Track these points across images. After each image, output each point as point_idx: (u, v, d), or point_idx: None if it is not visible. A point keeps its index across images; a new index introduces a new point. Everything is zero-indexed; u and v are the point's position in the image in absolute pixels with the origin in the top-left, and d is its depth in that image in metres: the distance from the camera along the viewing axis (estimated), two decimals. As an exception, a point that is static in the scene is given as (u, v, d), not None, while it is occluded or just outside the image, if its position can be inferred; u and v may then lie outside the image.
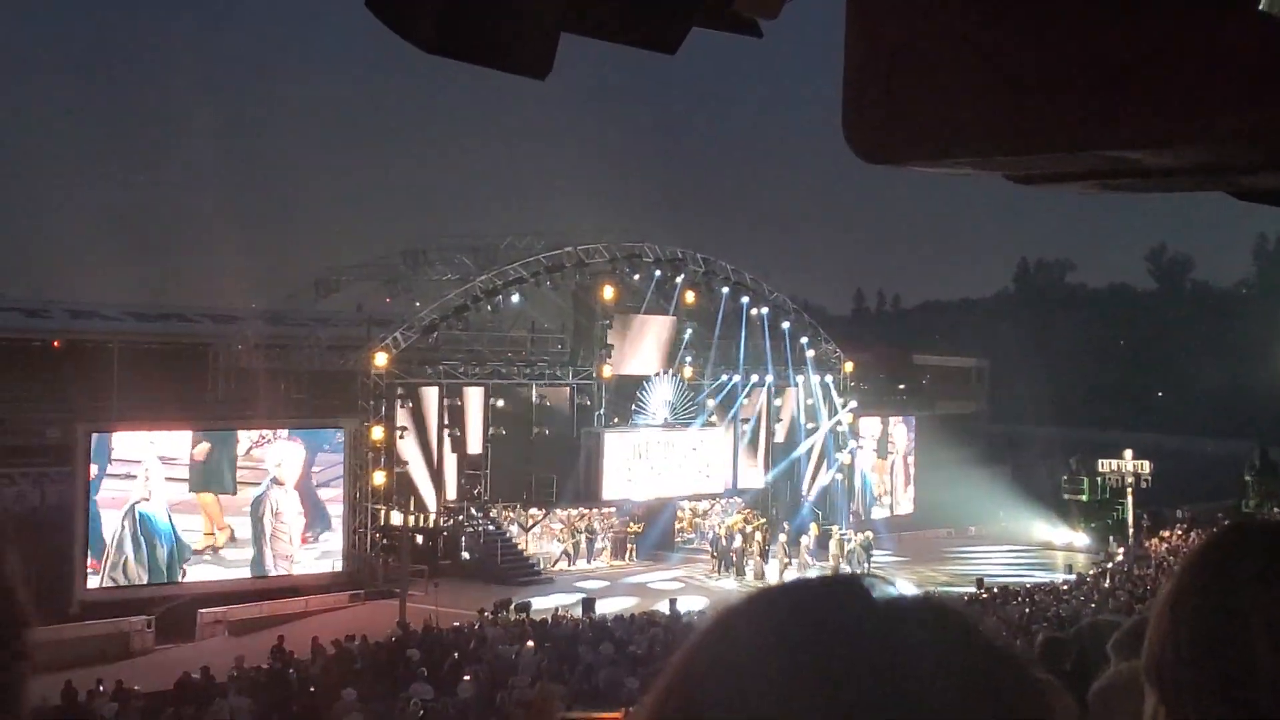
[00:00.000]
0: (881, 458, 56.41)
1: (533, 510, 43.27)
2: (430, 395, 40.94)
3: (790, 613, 0.93)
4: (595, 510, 44.69)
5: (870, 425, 55.32)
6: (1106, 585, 39.14)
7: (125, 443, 34.84)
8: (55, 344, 44.90)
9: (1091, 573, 44.24)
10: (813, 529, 46.19)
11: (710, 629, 0.95)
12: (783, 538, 44.37)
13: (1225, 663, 1.38)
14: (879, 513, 54.85)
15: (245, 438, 36.76)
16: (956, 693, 0.87)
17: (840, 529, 46.67)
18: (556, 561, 43.02)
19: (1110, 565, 46.18)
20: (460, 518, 40.71)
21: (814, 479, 52.43)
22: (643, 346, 46.31)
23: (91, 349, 43.26)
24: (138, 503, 34.83)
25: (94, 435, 34.44)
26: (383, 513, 38.62)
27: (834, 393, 53.09)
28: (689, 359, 48.14)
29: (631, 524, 45.16)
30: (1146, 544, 49.61)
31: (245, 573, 36.34)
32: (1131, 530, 51.62)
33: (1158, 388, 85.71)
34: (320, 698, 22.30)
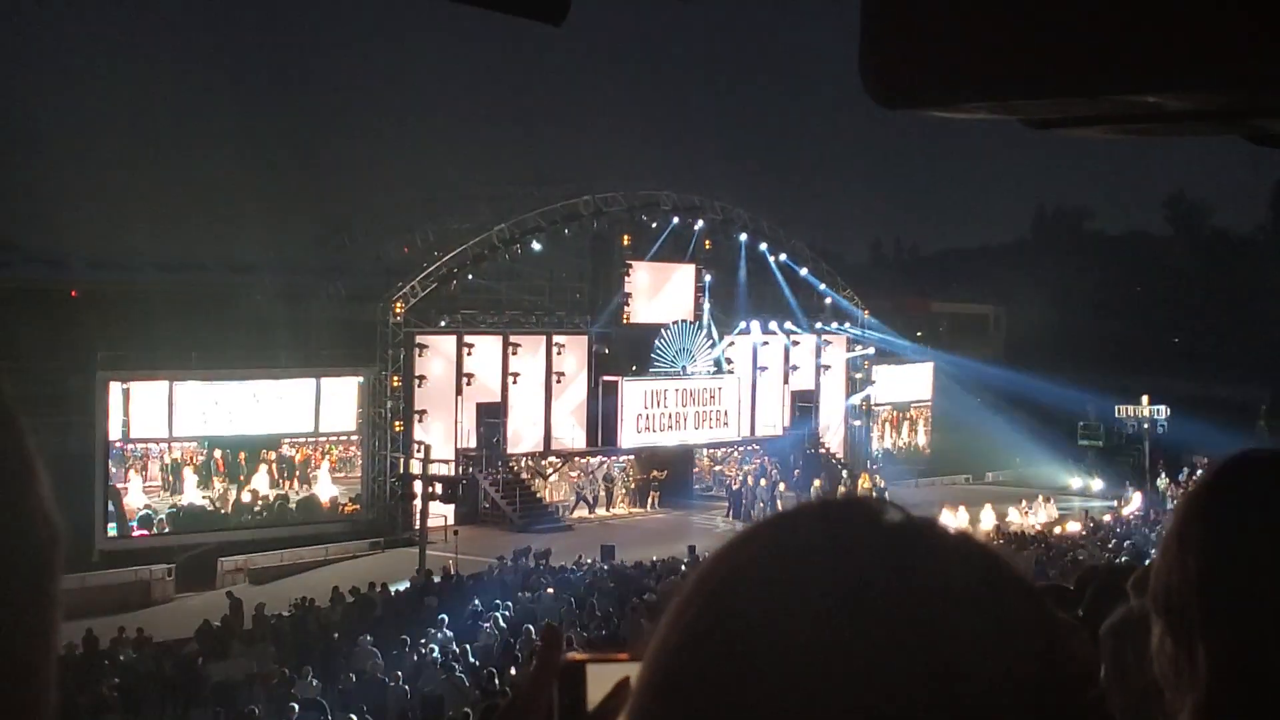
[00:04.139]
0: (898, 405, 56.36)
1: (551, 458, 43.40)
2: (448, 344, 40.99)
3: (805, 528, 0.93)
4: (614, 458, 44.82)
5: (887, 372, 55.20)
6: (1121, 531, 39.17)
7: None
8: (73, 293, 45.03)
9: (1107, 518, 44.24)
10: (857, 477, 46.13)
11: (728, 546, 0.95)
12: (818, 483, 44.48)
13: (1231, 589, 1.39)
14: (895, 460, 54.85)
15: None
16: (976, 619, 0.87)
17: (854, 476, 46.69)
18: (575, 509, 43.20)
19: (1126, 510, 46.16)
20: (479, 466, 40.87)
21: (830, 426, 52.43)
22: (661, 294, 46.24)
23: (110, 298, 43.36)
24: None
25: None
26: (401, 461, 38.82)
27: (851, 340, 53.05)
28: (707, 306, 48.05)
29: (652, 471, 45.29)
30: (1163, 489, 49.53)
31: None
32: (1148, 476, 51.52)
33: (1174, 334, 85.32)
34: (340, 644, 22.52)
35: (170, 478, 36.13)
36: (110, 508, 34.65)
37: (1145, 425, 53.13)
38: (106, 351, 36.17)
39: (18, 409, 0.91)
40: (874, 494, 41.02)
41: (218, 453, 36.59)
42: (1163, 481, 49.84)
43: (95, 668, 20.81)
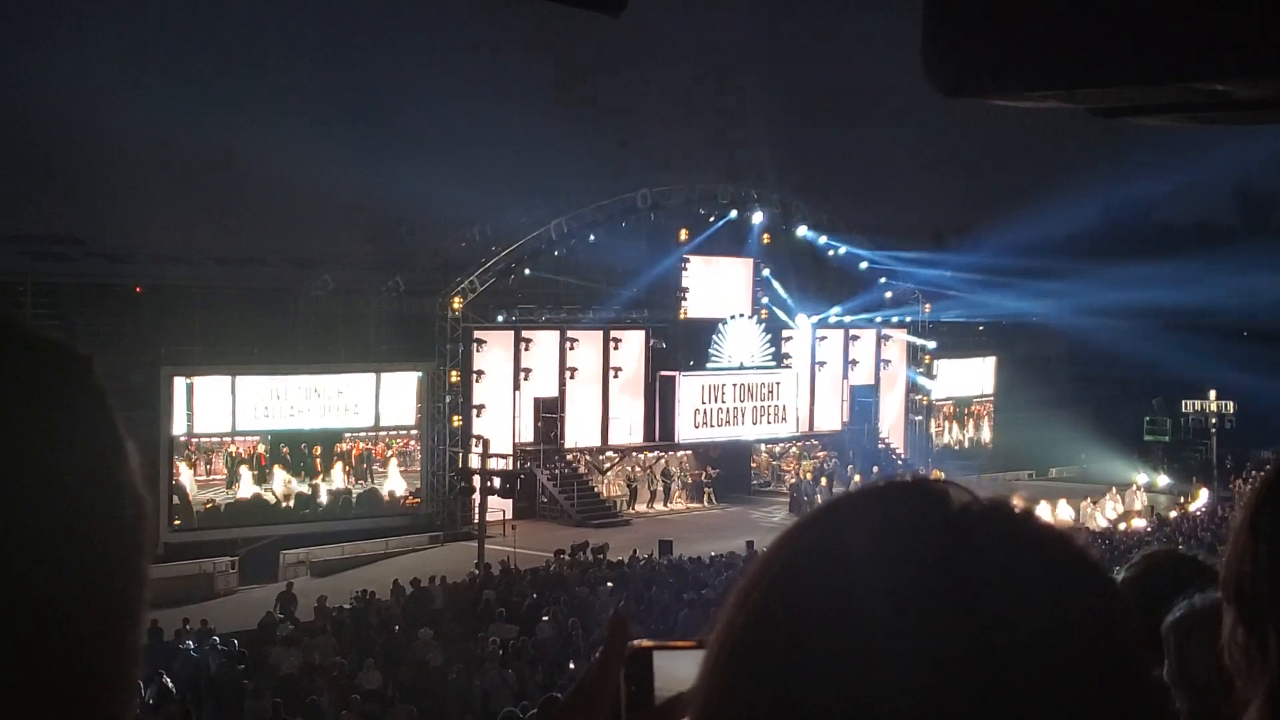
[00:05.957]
0: (959, 400, 55.91)
1: (608, 453, 43.45)
2: (506, 338, 41.16)
3: (870, 511, 0.92)
4: (671, 453, 44.79)
5: (948, 366, 54.73)
6: (1186, 527, 38.68)
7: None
8: (137, 289, 45.48)
9: (1173, 514, 43.72)
10: (937, 471, 45.86)
11: (792, 529, 0.95)
12: (858, 478, 44.23)
13: None
14: (957, 455, 54.46)
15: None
16: (1043, 604, 0.86)
17: (916, 471, 46.35)
18: (632, 504, 43.23)
19: (1193, 507, 45.61)
20: (537, 461, 40.98)
21: (891, 421, 52.13)
22: (719, 288, 46.12)
23: (173, 294, 43.81)
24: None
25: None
26: (460, 456, 39.00)
27: (913, 333, 52.68)
28: (765, 300, 47.90)
29: (708, 467, 45.23)
30: (1230, 485, 48.88)
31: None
32: (1215, 472, 50.86)
33: (1243, 327, 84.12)
34: (400, 637, 22.68)
35: (231, 471, 36.48)
36: (175, 501, 35.06)
37: (1213, 421, 52.45)
38: (170, 346, 36.57)
39: (106, 387, 0.92)
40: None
41: (261, 447, 36.86)
42: (1232, 480, 49.16)
43: (158, 658, 21.06)
